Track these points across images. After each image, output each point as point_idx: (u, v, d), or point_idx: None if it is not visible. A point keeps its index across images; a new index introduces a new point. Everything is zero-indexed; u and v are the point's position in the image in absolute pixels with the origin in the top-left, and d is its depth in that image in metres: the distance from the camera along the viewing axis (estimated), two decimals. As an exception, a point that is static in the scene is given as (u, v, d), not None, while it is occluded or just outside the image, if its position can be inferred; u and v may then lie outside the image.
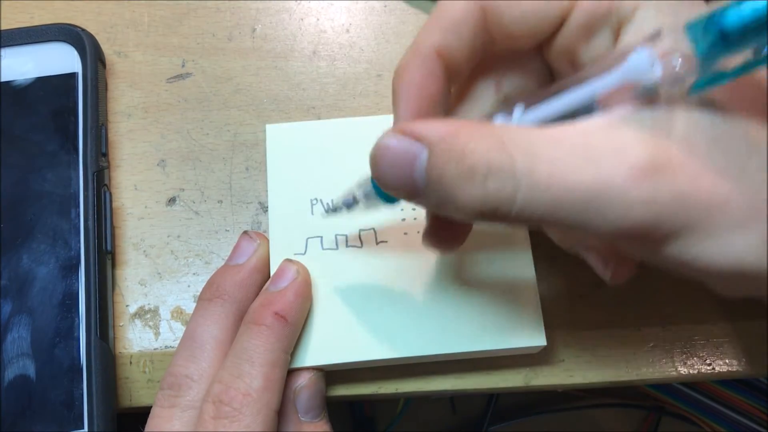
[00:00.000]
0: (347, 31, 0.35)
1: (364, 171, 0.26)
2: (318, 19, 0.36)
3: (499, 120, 0.23)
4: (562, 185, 0.19)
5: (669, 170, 0.20)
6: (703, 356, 0.30)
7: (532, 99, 0.23)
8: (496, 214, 0.20)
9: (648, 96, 0.21)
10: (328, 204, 0.29)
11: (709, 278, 0.22)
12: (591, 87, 0.21)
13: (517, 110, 0.23)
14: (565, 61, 0.24)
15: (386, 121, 0.30)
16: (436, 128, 0.20)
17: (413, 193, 0.21)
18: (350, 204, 0.27)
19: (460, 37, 0.24)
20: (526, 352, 0.29)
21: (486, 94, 0.26)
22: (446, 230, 0.26)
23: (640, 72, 0.20)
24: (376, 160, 0.22)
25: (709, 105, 0.21)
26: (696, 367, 0.30)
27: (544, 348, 0.30)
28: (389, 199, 0.26)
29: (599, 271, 0.26)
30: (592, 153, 0.20)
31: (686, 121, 0.21)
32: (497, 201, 0.20)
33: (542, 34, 0.24)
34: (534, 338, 0.28)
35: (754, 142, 0.21)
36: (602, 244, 0.26)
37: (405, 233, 0.30)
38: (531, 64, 0.25)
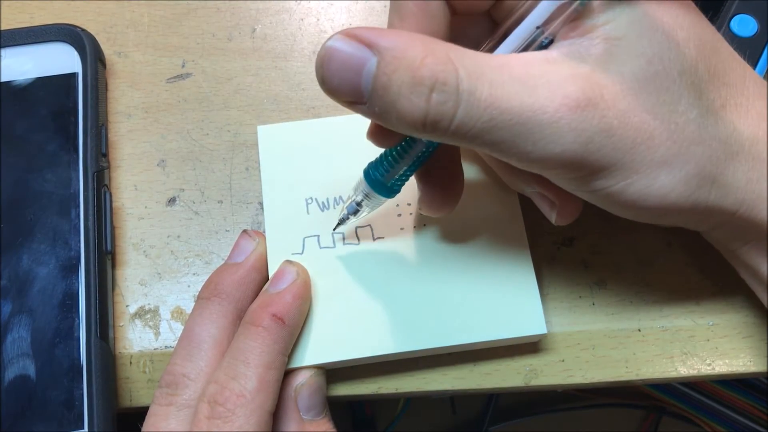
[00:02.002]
0: (347, 31, 0.35)
1: (356, 174, 0.27)
2: (318, 20, 0.36)
3: None
4: (499, 107, 0.20)
5: (600, 105, 0.21)
6: (703, 356, 0.30)
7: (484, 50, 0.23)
8: (435, 127, 0.21)
9: (582, 10, 0.22)
10: (339, 218, 0.29)
11: (636, 212, 0.23)
12: (532, 17, 0.22)
13: None
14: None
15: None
16: (389, 37, 0.21)
17: (357, 100, 0.22)
18: (355, 210, 0.27)
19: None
20: (527, 341, 0.29)
21: None
22: (439, 194, 0.27)
23: None
24: (323, 61, 0.21)
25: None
26: (696, 367, 0.30)
27: (545, 349, 0.30)
28: (389, 191, 0.26)
29: (545, 212, 0.27)
30: (530, 81, 0.21)
31: (625, 58, 0.21)
32: (439, 114, 0.20)
33: None
34: (534, 326, 0.28)
35: (688, 78, 0.22)
36: (547, 185, 0.26)
37: (401, 228, 0.30)
38: (481, 24, 0.26)
